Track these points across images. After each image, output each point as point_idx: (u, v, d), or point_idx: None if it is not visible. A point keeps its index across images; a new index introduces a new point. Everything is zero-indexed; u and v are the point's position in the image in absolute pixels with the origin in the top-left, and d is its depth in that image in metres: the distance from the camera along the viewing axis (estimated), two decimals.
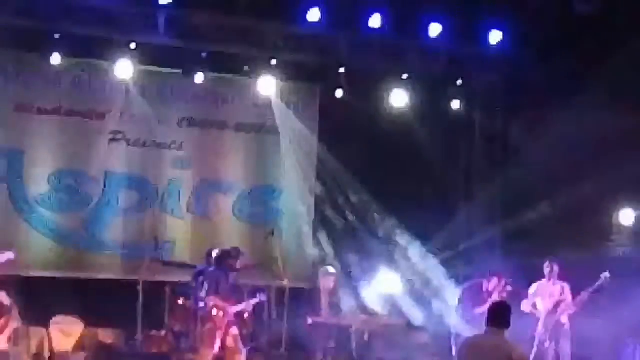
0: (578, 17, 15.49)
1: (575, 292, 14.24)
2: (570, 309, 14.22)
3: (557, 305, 14.21)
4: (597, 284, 14.10)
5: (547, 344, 14.14)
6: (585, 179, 15.55)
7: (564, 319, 14.23)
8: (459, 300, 14.87)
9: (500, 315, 8.98)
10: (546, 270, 14.34)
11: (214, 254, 13.99)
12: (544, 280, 14.40)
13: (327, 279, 14.87)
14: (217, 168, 16.68)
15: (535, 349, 13.70)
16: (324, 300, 14.83)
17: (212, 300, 13.10)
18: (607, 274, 14.08)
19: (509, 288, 14.34)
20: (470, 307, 14.42)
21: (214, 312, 13.09)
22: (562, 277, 14.41)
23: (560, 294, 14.26)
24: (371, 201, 16.81)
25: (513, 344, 8.89)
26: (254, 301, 13.86)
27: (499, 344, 8.80)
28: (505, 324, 8.91)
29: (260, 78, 15.88)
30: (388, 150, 16.43)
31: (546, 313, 14.19)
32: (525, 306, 14.16)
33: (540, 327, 14.09)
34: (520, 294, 14.26)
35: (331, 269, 15.05)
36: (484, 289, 14.61)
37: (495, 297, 14.05)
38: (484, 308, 13.54)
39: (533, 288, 14.39)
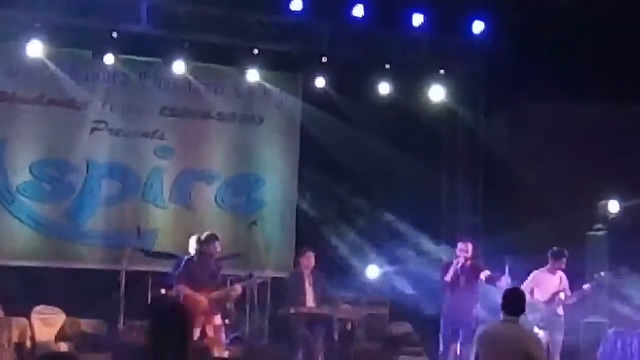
0: (559, 7, 15.53)
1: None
2: (568, 299, 14.15)
3: (555, 294, 14.13)
4: (593, 283, 14.14)
5: (541, 333, 14.08)
6: (570, 170, 15.59)
7: (560, 310, 14.17)
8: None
9: (514, 302, 8.81)
10: (551, 259, 14.19)
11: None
12: (543, 269, 14.26)
13: (307, 256, 14.68)
14: (200, 157, 16.63)
15: None
16: (307, 288, 14.75)
17: (182, 289, 13.00)
18: (602, 274, 14.16)
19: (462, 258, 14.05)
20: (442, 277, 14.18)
21: (185, 300, 12.95)
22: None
23: (559, 284, 14.20)
24: (354, 190, 16.78)
25: (529, 334, 8.73)
26: (240, 285, 13.77)
27: (514, 335, 8.62)
28: (520, 310, 8.75)
29: (243, 67, 15.86)
30: (370, 139, 16.40)
31: (544, 302, 14.09)
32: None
33: (538, 316, 13.96)
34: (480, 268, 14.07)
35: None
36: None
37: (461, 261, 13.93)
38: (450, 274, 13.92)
39: (531, 277, 14.24)
